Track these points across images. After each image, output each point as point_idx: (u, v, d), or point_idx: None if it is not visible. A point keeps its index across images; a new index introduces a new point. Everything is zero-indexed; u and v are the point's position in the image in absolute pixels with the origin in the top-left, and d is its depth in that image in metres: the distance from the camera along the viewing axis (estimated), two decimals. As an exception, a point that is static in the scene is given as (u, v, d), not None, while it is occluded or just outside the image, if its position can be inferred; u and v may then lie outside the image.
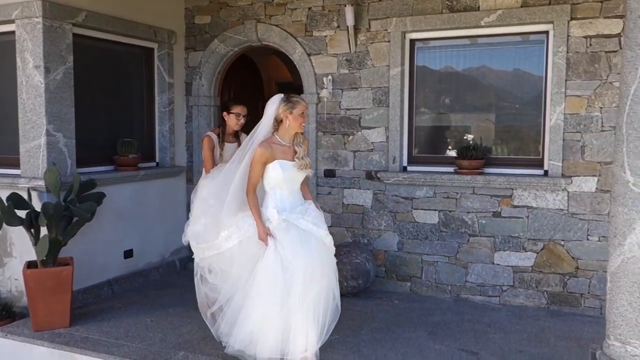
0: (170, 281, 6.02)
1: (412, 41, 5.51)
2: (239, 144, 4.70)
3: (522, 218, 5.09)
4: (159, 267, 6.14)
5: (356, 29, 5.54)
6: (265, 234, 3.68)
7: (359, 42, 5.58)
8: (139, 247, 5.88)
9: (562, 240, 4.98)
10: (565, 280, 5.00)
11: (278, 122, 3.76)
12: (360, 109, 5.63)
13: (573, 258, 4.95)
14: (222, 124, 4.90)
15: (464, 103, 5.59)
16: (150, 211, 6.00)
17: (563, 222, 4.97)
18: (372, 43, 5.54)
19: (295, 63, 5.91)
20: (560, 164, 4.93)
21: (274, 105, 3.76)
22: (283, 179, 3.73)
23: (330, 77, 5.70)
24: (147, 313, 4.97)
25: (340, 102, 5.71)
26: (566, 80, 4.86)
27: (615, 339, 3.38)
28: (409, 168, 5.55)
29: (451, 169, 5.34)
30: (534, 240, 5.07)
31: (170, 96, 6.22)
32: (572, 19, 4.81)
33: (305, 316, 3.64)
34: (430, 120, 5.70)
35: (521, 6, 4.97)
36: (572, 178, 4.90)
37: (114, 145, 5.65)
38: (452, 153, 5.50)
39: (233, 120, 4.82)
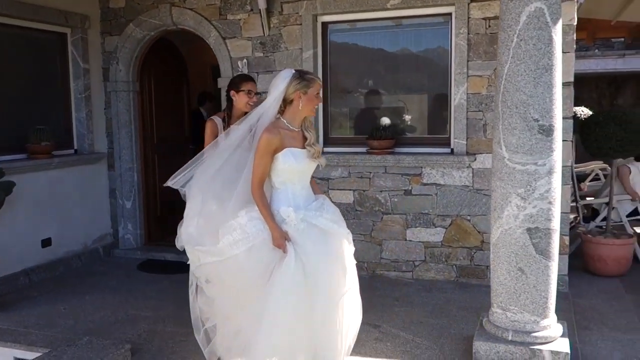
0: (92, 269, 5.99)
1: (324, 24, 5.58)
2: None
3: (431, 195, 5.27)
4: (80, 255, 6.09)
5: (269, 12, 5.57)
6: (282, 239, 2.98)
7: (272, 26, 5.61)
8: (58, 236, 5.81)
9: (469, 215, 5.18)
10: (472, 253, 5.21)
11: (287, 103, 3.07)
12: (276, 92, 5.67)
13: (479, 232, 5.16)
14: (228, 105, 4.10)
15: (377, 84, 5.72)
16: (69, 199, 5.93)
17: (469, 198, 5.16)
18: (284, 26, 5.59)
19: (211, 47, 5.90)
20: (465, 142, 5.11)
21: (283, 83, 3.05)
22: (297, 170, 3.11)
23: (245, 60, 5.73)
24: (62, 301, 4.96)
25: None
26: (468, 61, 5.02)
27: (497, 307, 3.57)
28: (325, 149, 5.65)
29: (364, 150, 5.47)
30: (443, 217, 5.26)
31: (86, 82, 6.12)
32: (472, 1, 4.97)
33: (333, 334, 3.10)
34: (344, 102, 5.80)
35: (425, -11, 5.10)
36: (476, 155, 5.09)
37: (28, 133, 5.55)
38: (365, 134, 5.62)
39: (243, 100, 3.98)
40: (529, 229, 3.37)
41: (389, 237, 5.43)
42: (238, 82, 4.05)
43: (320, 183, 5.57)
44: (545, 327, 3.44)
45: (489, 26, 4.94)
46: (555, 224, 3.43)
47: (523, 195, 3.37)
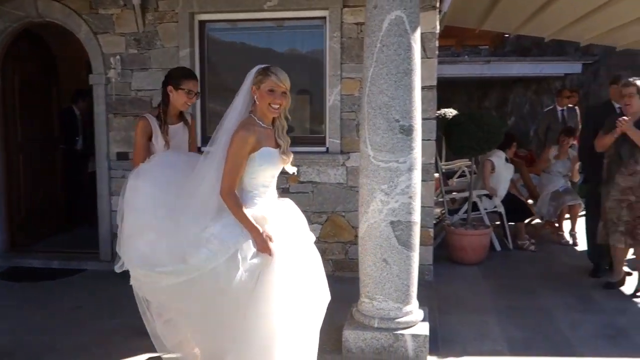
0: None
1: (202, 22, 5.56)
2: (186, 126, 3.82)
3: (308, 193, 5.44)
4: None
5: (143, 8, 5.45)
6: (266, 242, 2.79)
7: (147, 22, 5.50)
8: None
9: (343, 211, 5.41)
10: (347, 248, 5.45)
11: (254, 99, 2.95)
12: (152, 90, 5.56)
13: (352, 227, 5.40)
14: (163, 101, 3.69)
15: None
16: None
17: (343, 194, 5.39)
18: (160, 23, 5.50)
19: (82, 41, 5.66)
20: (339, 141, 5.33)
21: (248, 78, 2.96)
22: (273, 170, 2.97)
23: (118, 57, 5.56)
24: None
25: (130, 83, 5.60)
26: (341, 64, 5.24)
27: (365, 297, 3.78)
28: (204, 149, 5.59)
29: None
30: (319, 213, 5.45)
31: (-61, 75, 5.65)
32: (344, 6, 5.19)
33: (313, 338, 2.97)
34: (225, 100, 5.79)
35: (299, -8, 5.26)
36: (350, 154, 5.32)
37: None
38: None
39: (182, 99, 3.64)
40: (392, 222, 3.61)
41: (268, 235, 5.52)
42: (178, 78, 3.64)
43: (199, 182, 5.56)
44: (407, 313, 3.70)
45: (361, 31, 5.19)
46: (416, 217, 3.70)
47: (386, 191, 3.60)
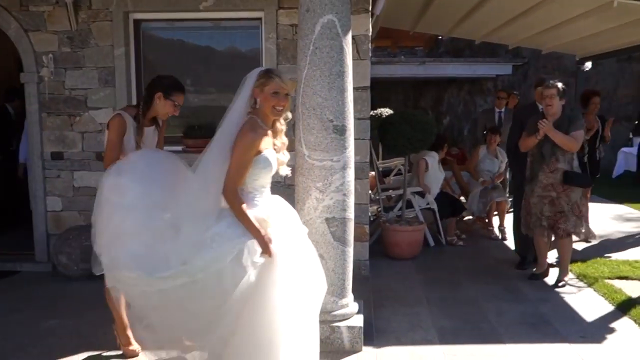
0: None
1: (137, 21, 5.52)
2: (157, 129, 3.75)
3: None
4: None
5: (76, 6, 5.36)
6: (267, 244, 2.78)
7: (80, 20, 5.41)
8: None
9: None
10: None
11: (255, 101, 2.95)
12: (86, 89, 5.49)
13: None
14: (146, 103, 3.58)
15: (196, 83, 5.81)
16: None
17: (280, 193, 5.42)
18: (94, 21, 5.42)
19: (12, 39, 5.51)
20: (277, 141, 5.41)
21: (249, 80, 2.95)
22: (272, 172, 2.96)
23: (51, 55, 5.44)
24: None
25: (64, 81, 5.50)
26: (277, 64, 5.32)
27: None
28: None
29: (179, 148, 5.51)
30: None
31: None
32: (280, 8, 5.27)
33: (314, 329, 2.98)
34: (161, 100, 5.79)
35: (235, -7, 5.30)
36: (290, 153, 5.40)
37: None
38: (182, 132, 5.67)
39: (168, 109, 3.59)
40: (327, 219, 3.73)
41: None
42: (170, 89, 3.59)
43: (136, 182, 5.51)
44: (343, 306, 3.83)
45: (296, 32, 5.28)
46: (350, 214, 3.84)
47: (321, 188, 3.72)
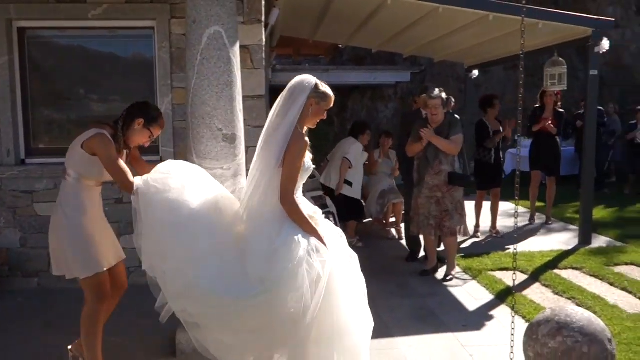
0: None
1: (22, 29, 5.33)
2: (125, 157, 3.54)
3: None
4: None
5: (-46, 13, 5.11)
6: (324, 242, 2.97)
7: (-42, 28, 5.15)
8: None
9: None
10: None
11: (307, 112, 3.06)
12: (-34, 99, 5.23)
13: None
14: (127, 125, 3.45)
15: (88, 92, 5.67)
16: None
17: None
18: (-26, 29, 5.18)
19: None
20: (172, 150, 5.40)
21: (303, 92, 3.02)
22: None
23: None
24: None
25: (-59, 92, 5.21)
26: (171, 74, 5.33)
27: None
28: (28, 161, 5.40)
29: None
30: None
31: None
32: (172, 17, 5.28)
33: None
34: (51, 111, 5.61)
35: (126, 2, 5.24)
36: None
37: None
38: (73, 143, 5.53)
39: (143, 139, 3.52)
40: (219, 226, 3.79)
41: (103, 246, 5.43)
42: (155, 120, 3.53)
43: (24, 197, 5.32)
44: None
45: (189, 42, 5.32)
46: (242, 220, 3.92)
47: (212, 196, 3.77)
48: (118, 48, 5.67)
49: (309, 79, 3.08)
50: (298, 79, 3.09)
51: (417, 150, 5.51)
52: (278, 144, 2.96)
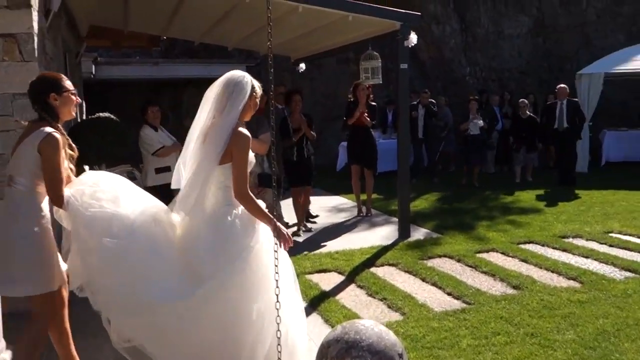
0: None
1: None
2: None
3: None
4: None
5: None
6: (284, 231, 3.09)
7: None
8: None
9: None
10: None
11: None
12: None
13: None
14: (51, 115, 3.03)
15: None
16: None
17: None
18: None
19: None
20: None
21: (244, 88, 3.05)
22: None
23: None
24: None
25: None
26: None
27: None
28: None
29: None
30: None
31: None
32: None
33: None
34: None
35: None
36: None
37: None
38: None
39: (70, 102, 3.11)
40: None
41: None
42: (56, 81, 3.08)
43: None
44: None
45: None
46: None
47: None
48: None
49: (245, 77, 3.10)
50: (231, 77, 3.08)
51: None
52: (219, 142, 2.96)
